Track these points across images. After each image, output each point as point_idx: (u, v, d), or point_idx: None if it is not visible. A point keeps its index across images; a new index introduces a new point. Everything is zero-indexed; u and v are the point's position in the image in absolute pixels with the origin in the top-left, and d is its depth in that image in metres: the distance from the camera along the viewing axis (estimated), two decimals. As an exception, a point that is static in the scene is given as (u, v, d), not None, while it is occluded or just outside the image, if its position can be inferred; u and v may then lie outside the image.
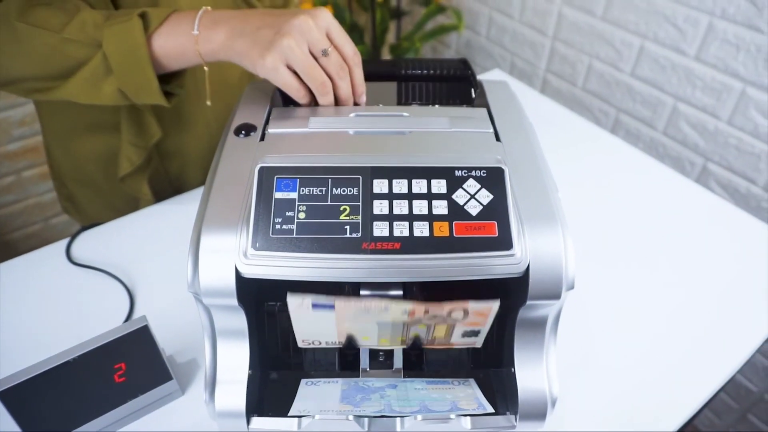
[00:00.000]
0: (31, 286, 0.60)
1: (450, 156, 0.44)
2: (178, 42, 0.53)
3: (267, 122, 0.50)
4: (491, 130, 0.48)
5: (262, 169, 0.42)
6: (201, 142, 0.72)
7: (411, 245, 0.39)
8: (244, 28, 0.51)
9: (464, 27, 1.65)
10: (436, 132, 0.48)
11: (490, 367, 0.48)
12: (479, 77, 0.58)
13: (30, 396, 0.42)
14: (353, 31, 1.59)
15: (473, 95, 0.56)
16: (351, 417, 0.39)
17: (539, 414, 0.43)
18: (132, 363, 0.45)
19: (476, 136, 0.48)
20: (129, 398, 0.47)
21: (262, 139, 0.48)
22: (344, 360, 0.48)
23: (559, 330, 0.44)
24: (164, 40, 0.53)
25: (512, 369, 0.44)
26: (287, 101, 0.54)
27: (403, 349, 0.47)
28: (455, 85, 0.57)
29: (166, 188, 0.74)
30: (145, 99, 0.55)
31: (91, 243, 0.65)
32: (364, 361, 0.48)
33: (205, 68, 0.56)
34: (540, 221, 0.41)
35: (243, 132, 0.48)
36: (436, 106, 0.56)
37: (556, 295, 0.40)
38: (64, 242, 0.64)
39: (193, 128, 0.70)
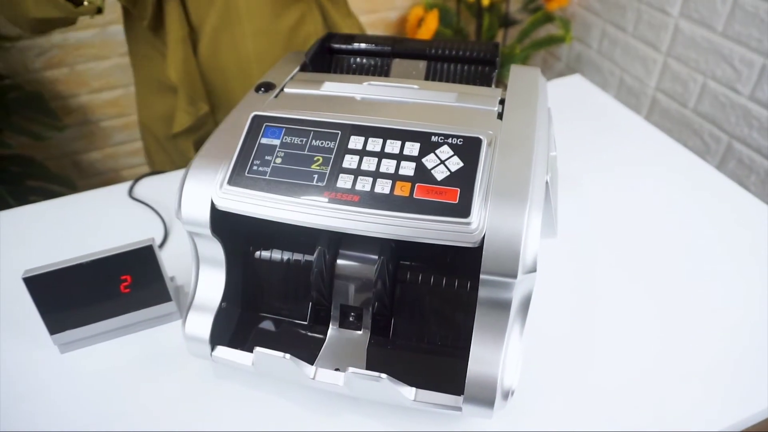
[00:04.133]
0: (101, 210, 0.70)
1: (436, 124, 0.44)
2: None
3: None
4: (496, 108, 0.47)
5: (255, 116, 0.45)
6: None
7: (369, 200, 0.40)
8: None
9: (575, 39, 1.58)
10: (439, 105, 0.48)
11: (457, 347, 0.46)
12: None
13: (48, 287, 0.49)
14: (457, 35, 1.59)
15: (493, 77, 0.54)
16: (288, 356, 0.41)
17: (486, 401, 0.41)
18: (136, 278, 0.51)
19: (478, 112, 0.47)
20: (131, 309, 0.52)
21: (277, 96, 0.51)
22: (316, 314, 0.49)
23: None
24: None
25: (468, 349, 0.42)
26: (316, 69, 0.57)
27: (373, 315, 0.47)
28: (482, 67, 0.56)
29: None
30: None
31: (151, 186, 0.73)
32: (335, 318, 0.48)
33: None
34: (507, 196, 0.39)
35: (263, 89, 0.52)
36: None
37: (512, 274, 0.38)
38: (130, 183, 0.73)
39: None
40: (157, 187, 0.73)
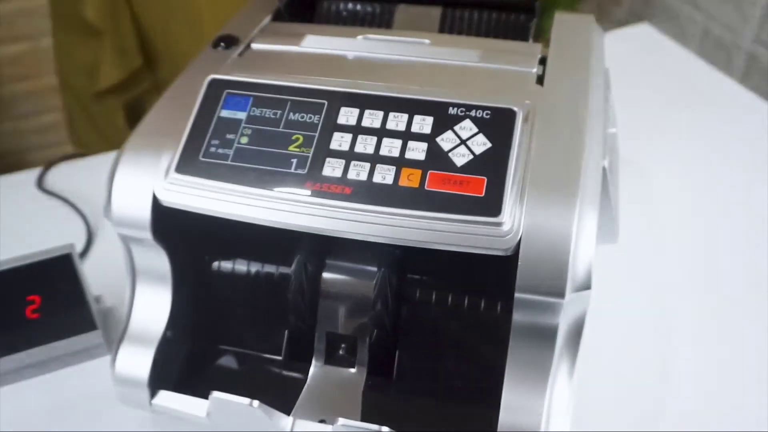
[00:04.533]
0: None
1: (455, 92, 0.44)
2: None
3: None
4: (534, 70, 0.48)
5: (212, 81, 0.46)
6: None
7: (365, 193, 0.41)
8: None
9: (642, -25, 1.59)
10: (457, 65, 0.49)
11: (483, 391, 0.47)
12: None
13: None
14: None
15: (531, 28, 0.55)
16: (256, 403, 0.41)
17: (524, 464, 0.41)
18: (49, 298, 0.52)
19: (509, 74, 0.48)
20: (42, 342, 0.53)
21: (242, 54, 0.52)
22: (294, 345, 0.50)
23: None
24: None
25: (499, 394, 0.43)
26: (294, 17, 0.58)
27: (370, 346, 0.48)
28: (515, 15, 0.57)
29: None
30: None
31: (69, 173, 0.74)
32: (319, 351, 0.49)
33: None
34: (550, 187, 0.40)
35: (223, 44, 0.53)
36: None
37: (558, 292, 0.39)
38: (39, 169, 0.74)
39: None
40: (77, 174, 0.74)
